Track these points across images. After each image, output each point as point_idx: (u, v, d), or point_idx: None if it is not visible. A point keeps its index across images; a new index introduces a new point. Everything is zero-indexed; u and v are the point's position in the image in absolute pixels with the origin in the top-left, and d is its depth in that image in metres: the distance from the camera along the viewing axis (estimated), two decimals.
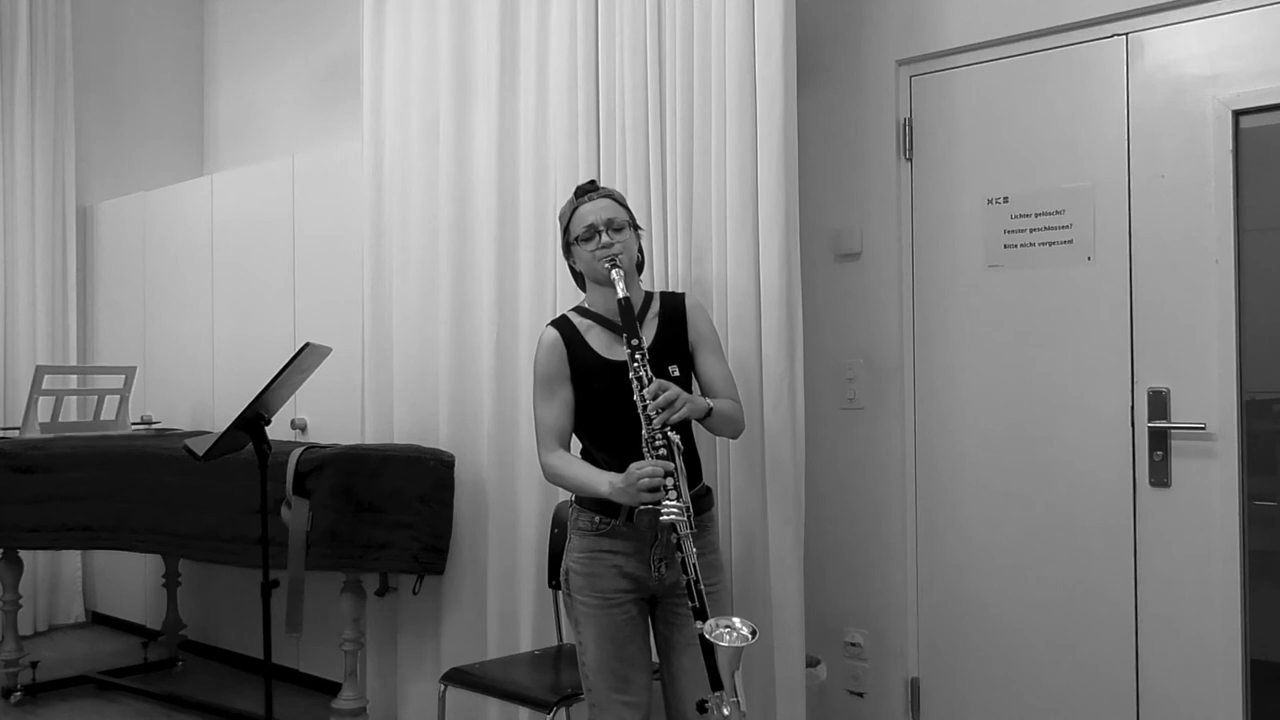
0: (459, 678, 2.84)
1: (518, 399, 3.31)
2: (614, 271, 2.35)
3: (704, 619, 2.10)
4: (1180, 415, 2.70)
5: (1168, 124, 2.72)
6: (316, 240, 4.24)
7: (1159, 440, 2.72)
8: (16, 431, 4.37)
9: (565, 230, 2.49)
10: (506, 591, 3.30)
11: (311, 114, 5.11)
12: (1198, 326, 2.67)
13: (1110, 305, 2.80)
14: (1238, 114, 2.63)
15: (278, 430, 3.56)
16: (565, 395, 2.43)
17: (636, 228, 2.49)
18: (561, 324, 2.48)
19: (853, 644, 3.20)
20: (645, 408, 2.23)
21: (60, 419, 4.38)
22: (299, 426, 4.23)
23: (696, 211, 2.94)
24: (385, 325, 3.68)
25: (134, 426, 4.63)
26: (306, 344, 3.07)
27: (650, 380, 2.24)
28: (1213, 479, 2.65)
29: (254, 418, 3.01)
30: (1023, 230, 2.95)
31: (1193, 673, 2.67)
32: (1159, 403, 2.73)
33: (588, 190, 2.48)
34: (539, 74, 3.29)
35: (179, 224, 4.94)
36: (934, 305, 3.11)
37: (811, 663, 2.99)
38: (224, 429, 3.03)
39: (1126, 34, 2.78)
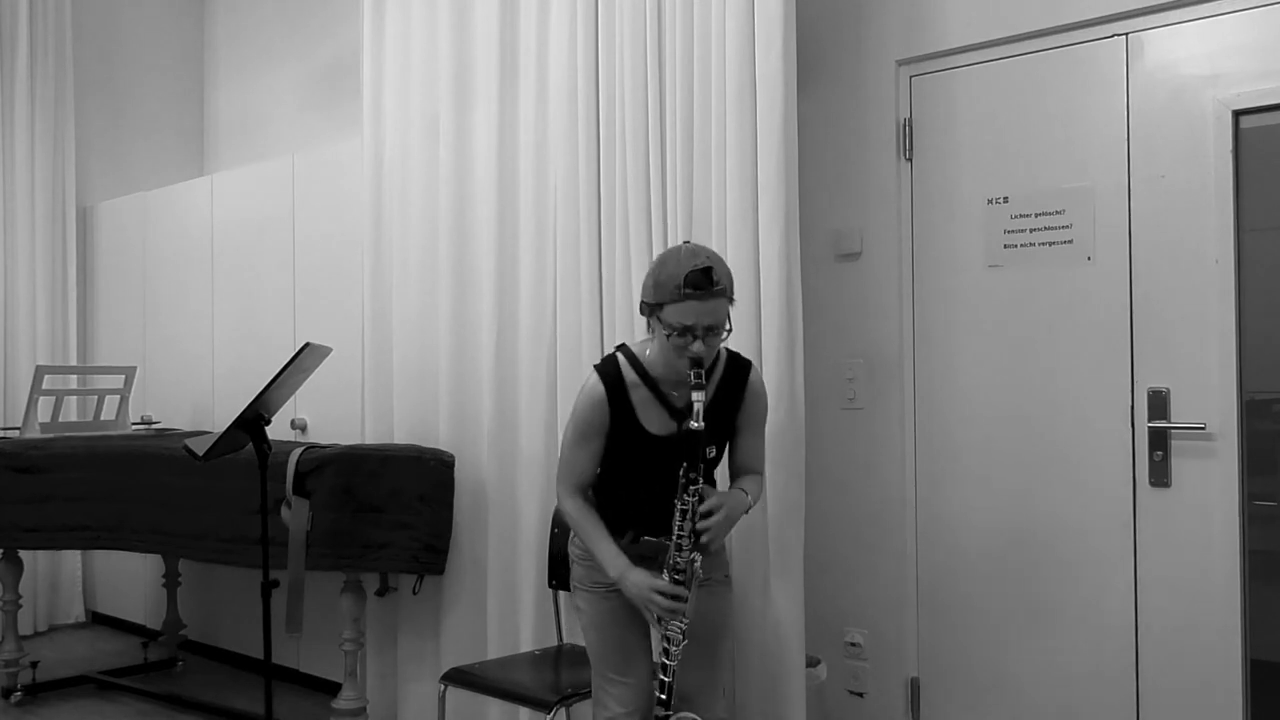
0: (459, 678, 2.84)
1: (517, 399, 3.31)
2: (695, 393, 2.19)
3: (666, 708, 2.26)
4: (1180, 415, 2.70)
5: (1168, 124, 2.72)
6: (316, 240, 4.24)
7: (1159, 440, 2.72)
8: (16, 431, 4.37)
9: (660, 304, 2.21)
10: (506, 591, 3.30)
11: (311, 114, 5.11)
12: (1198, 326, 2.67)
13: (1110, 305, 2.80)
14: (1238, 114, 2.63)
15: (278, 430, 3.55)
16: (597, 447, 2.39)
17: (731, 302, 2.26)
18: (610, 379, 2.34)
19: (853, 644, 3.20)
20: (679, 539, 2.24)
21: (60, 419, 4.38)
22: (299, 426, 4.23)
23: (696, 212, 2.94)
24: (385, 325, 3.68)
25: (134, 426, 4.63)
26: (306, 344, 3.07)
27: (696, 518, 2.24)
28: (1213, 479, 2.65)
29: (254, 418, 3.01)
30: (1023, 230, 2.95)
31: (1193, 673, 2.67)
32: (1159, 403, 2.73)
33: (702, 285, 2.17)
34: (539, 74, 3.29)
35: (179, 224, 4.94)
36: (934, 305, 3.11)
37: (811, 663, 2.99)
38: (224, 429, 3.03)
39: (1126, 34, 2.78)
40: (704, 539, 2.26)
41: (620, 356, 2.39)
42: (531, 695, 2.71)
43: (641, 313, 2.31)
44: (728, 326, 2.25)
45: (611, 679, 2.43)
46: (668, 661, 2.26)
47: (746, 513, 2.42)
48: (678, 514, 2.25)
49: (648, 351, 2.36)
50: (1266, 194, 2.65)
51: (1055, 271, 2.89)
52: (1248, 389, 2.65)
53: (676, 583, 2.25)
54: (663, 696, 2.27)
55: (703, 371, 2.21)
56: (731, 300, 2.25)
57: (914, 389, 3.14)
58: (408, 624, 3.58)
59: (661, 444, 2.31)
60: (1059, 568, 2.87)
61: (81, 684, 4.33)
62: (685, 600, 2.25)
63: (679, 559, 2.25)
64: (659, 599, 2.24)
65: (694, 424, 2.18)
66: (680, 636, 2.25)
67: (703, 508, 2.24)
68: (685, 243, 2.32)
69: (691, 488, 2.23)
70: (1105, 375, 2.81)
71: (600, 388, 2.33)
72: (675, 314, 2.19)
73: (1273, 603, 2.67)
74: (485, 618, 3.35)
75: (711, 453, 2.35)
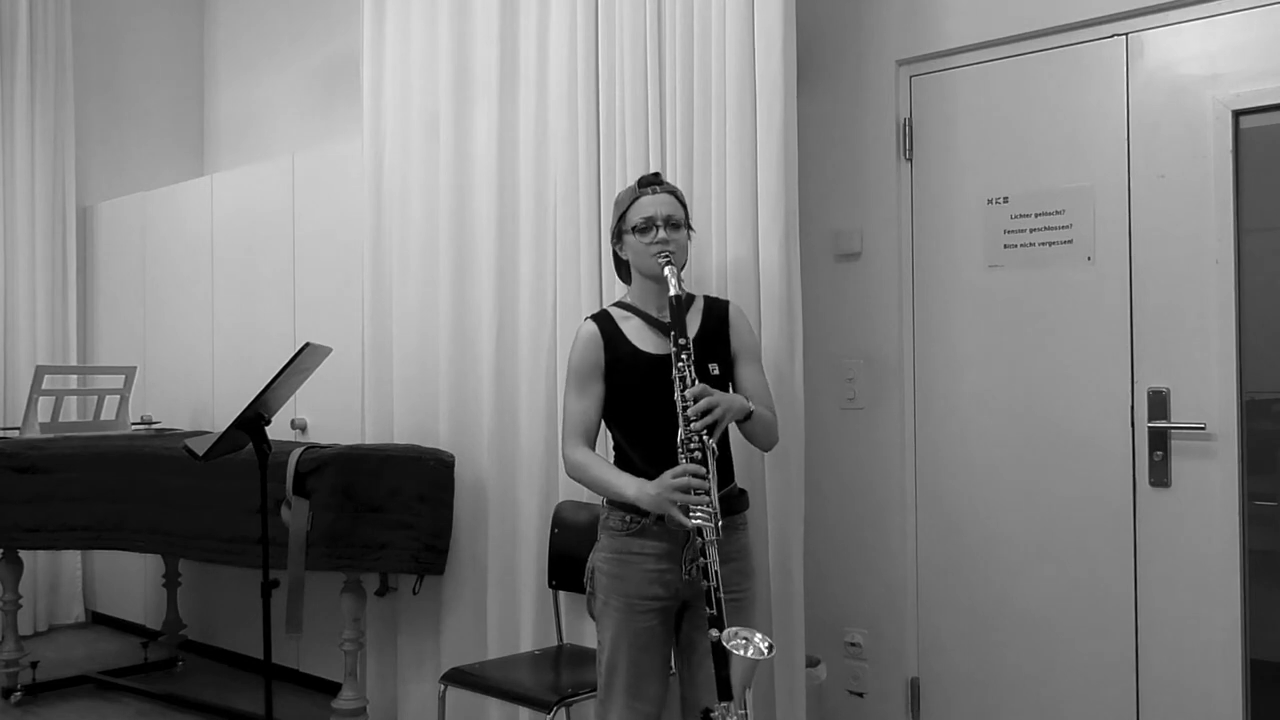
0: (459, 678, 2.84)
1: (517, 399, 3.31)
2: (667, 269, 2.32)
3: (720, 628, 2.09)
4: (1180, 415, 2.70)
5: (1168, 124, 2.72)
6: (316, 240, 4.24)
7: (1159, 440, 2.72)
8: (16, 431, 4.37)
9: (621, 217, 2.44)
10: (506, 591, 3.30)
11: (311, 114, 5.11)
12: (1198, 326, 2.67)
13: (1110, 305, 2.80)
14: (1238, 114, 2.63)
15: (278, 430, 3.56)
16: (597, 391, 2.41)
17: (690, 229, 2.47)
18: (600, 318, 2.46)
19: (853, 644, 3.20)
20: (685, 409, 2.21)
21: (60, 419, 4.38)
22: (299, 426, 4.23)
23: (696, 211, 2.94)
24: (385, 325, 3.68)
25: (134, 426, 4.63)
26: (306, 344, 3.07)
27: (693, 382, 2.23)
28: (1213, 479, 2.65)
29: (254, 418, 3.02)
30: (1023, 230, 2.95)
31: (1193, 672, 2.67)
32: (1159, 403, 2.73)
33: (652, 182, 2.44)
34: (539, 74, 3.29)
35: (179, 224, 4.94)
36: (934, 305, 3.11)
37: (811, 663, 2.99)
38: (224, 429, 3.04)
39: (1126, 34, 2.78)
40: (695, 425, 2.19)
41: (607, 307, 2.54)
42: (531, 695, 2.71)
43: (615, 251, 2.50)
44: (688, 226, 2.45)
45: (623, 702, 2.33)
46: (705, 560, 2.13)
47: (748, 419, 2.34)
48: (677, 383, 2.23)
49: (627, 296, 2.52)
50: (1266, 194, 2.65)
51: (1055, 271, 2.89)
52: (1248, 389, 2.65)
53: (694, 461, 2.18)
54: (713, 612, 2.10)
55: (670, 252, 2.35)
56: (685, 210, 2.45)
57: (914, 389, 3.14)
58: (408, 624, 3.58)
59: (660, 363, 2.33)
60: (1059, 567, 2.87)
61: (81, 684, 4.33)
62: (704, 477, 2.17)
63: (688, 433, 2.20)
64: (677, 481, 2.16)
65: (672, 292, 2.29)
66: (714, 526, 2.15)
67: (689, 392, 2.20)
68: None
69: (684, 353, 2.24)
70: (1105, 375, 2.81)
71: (591, 325, 2.45)
72: (636, 212, 2.41)
73: (1273, 603, 2.67)
74: (485, 618, 3.35)
75: (714, 370, 2.38)
